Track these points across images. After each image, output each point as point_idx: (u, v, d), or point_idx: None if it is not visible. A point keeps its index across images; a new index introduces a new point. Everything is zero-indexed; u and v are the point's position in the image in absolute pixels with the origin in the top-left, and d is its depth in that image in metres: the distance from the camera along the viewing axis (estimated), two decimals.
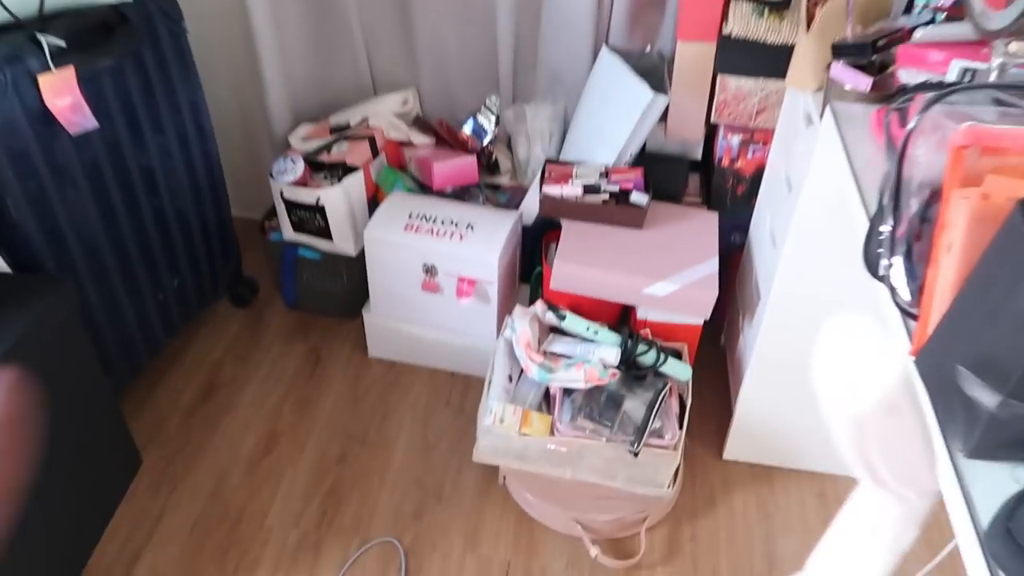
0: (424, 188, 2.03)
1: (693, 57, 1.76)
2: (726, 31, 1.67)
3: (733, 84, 1.73)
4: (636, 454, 1.47)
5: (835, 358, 0.30)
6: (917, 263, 0.80)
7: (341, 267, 1.95)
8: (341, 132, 2.01)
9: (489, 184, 2.06)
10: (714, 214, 1.79)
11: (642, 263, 1.64)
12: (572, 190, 1.73)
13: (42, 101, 1.38)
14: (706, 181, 1.97)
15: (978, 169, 0.75)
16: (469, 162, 1.95)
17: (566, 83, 2.02)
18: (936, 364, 0.74)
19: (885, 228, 0.83)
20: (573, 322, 1.58)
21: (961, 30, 1.12)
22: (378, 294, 1.88)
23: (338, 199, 1.84)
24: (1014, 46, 0.92)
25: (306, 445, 1.75)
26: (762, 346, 1.54)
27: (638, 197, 1.73)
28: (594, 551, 1.50)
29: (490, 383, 1.60)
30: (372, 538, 1.56)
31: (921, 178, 0.80)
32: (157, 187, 1.71)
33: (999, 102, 0.78)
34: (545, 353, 1.56)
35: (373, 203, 1.97)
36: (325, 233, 1.90)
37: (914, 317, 0.81)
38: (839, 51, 1.32)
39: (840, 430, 0.50)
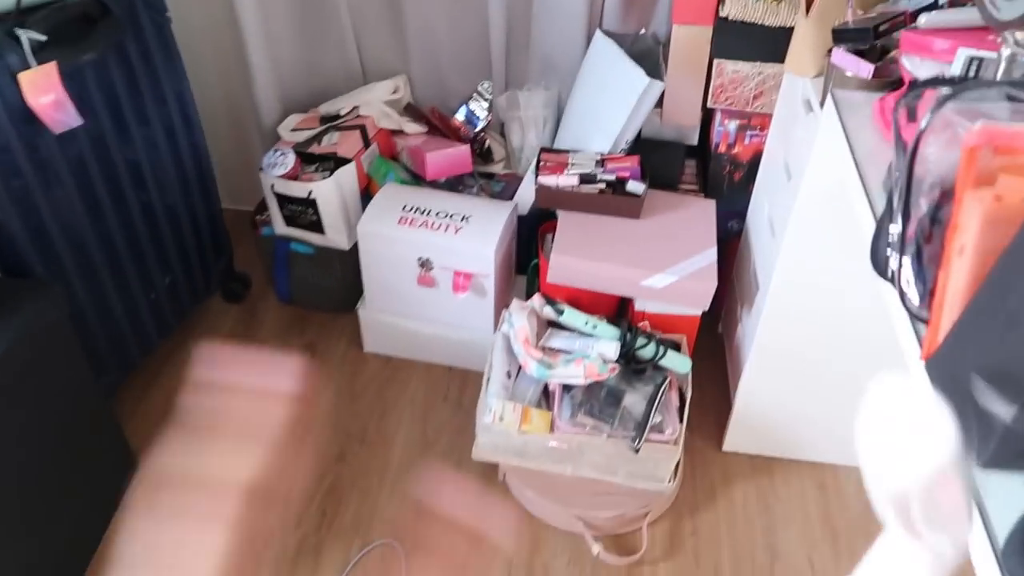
0: (417, 178, 2.00)
1: (689, 41, 1.72)
2: (723, 13, 1.64)
3: (730, 68, 1.70)
4: (637, 450, 1.46)
5: (881, 425, 0.28)
6: (927, 265, 0.77)
7: (335, 261, 1.93)
8: (331, 122, 1.97)
9: (483, 173, 2.03)
10: (711, 202, 1.77)
11: (640, 254, 1.61)
12: (568, 180, 1.70)
13: (23, 99, 1.34)
14: (702, 167, 1.94)
15: (991, 168, 0.73)
16: (462, 151, 1.92)
17: (559, 68, 1.98)
18: (948, 371, 0.72)
19: (894, 228, 0.81)
20: (571, 316, 1.56)
21: (967, 16, 1.09)
22: (373, 289, 1.85)
23: (330, 192, 1.80)
24: (1023, 35, 0.89)
25: (303, 444, 1.72)
26: (762, 337, 1.53)
27: (635, 186, 1.70)
28: (596, 548, 1.49)
29: (488, 380, 1.58)
30: (373, 539, 1.54)
31: (931, 177, 0.78)
32: (145, 182, 1.68)
33: (1011, 97, 0.75)
34: (544, 349, 1.54)
35: (366, 194, 1.93)
36: (318, 227, 1.87)
37: (924, 321, 0.79)
38: (840, 36, 1.29)
39: (880, 494, 0.48)
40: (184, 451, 0.48)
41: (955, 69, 0.99)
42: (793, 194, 1.40)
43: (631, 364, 1.55)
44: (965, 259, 0.72)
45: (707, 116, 1.85)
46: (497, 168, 2.03)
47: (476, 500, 0.64)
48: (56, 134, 1.42)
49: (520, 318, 1.55)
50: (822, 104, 1.31)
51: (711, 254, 1.62)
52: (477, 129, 2.05)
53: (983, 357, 0.66)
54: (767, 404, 1.63)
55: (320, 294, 2.02)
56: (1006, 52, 0.88)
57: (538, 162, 1.77)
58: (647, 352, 1.55)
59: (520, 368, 1.57)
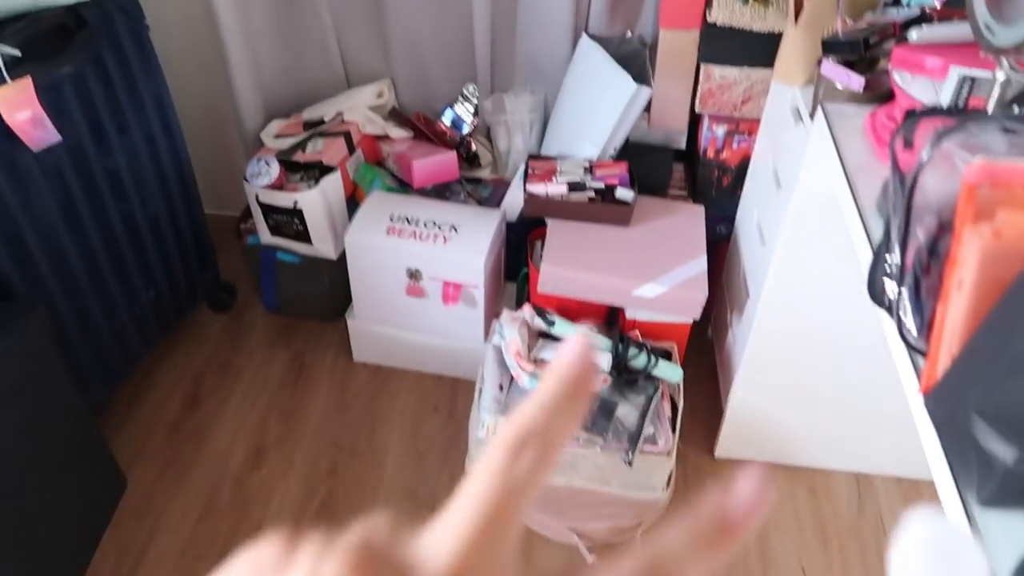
0: (403, 184, 1.98)
1: (676, 45, 1.71)
2: (710, 19, 1.63)
3: (717, 73, 1.69)
4: (631, 463, 1.46)
5: (914, 565, 0.27)
6: (925, 299, 0.77)
7: (322, 270, 1.90)
8: (315, 128, 1.95)
9: (470, 178, 2.01)
10: (700, 208, 1.76)
11: (630, 264, 1.61)
12: (556, 188, 1.69)
13: None
14: (691, 171, 1.93)
15: (989, 202, 0.72)
16: (449, 158, 1.90)
17: (545, 71, 1.96)
18: (948, 408, 0.72)
19: (892, 258, 0.81)
20: (563, 327, 1.55)
21: (958, 31, 1.08)
22: (361, 299, 1.83)
23: (316, 202, 1.78)
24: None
25: (295, 458, 1.72)
26: (754, 347, 1.53)
27: (624, 193, 1.69)
28: (591, 559, 1.49)
29: (481, 392, 1.57)
30: None
31: (929, 207, 0.77)
32: (126, 193, 1.65)
33: (1006, 129, 0.75)
34: (535, 361, 1.53)
35: (351, 202, 1.91)
36: (304, 236, 1.84)
37: (921, 352, 0.79)
38: (830, 47, 1.28)
39: None
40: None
41: (947, 88, 0.99)
42: (783, 204, 1.40)
43: (623, 374, 1.55)
44: (963, 294, 0.72)
45: (694, 120, 1.84)
46: (484, 173, 2.02)
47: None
48: (35, 151, 1.38)
49: (511, 330, 1.55)
50: (812, 115, 1.31)
51: (701, 262, 1.61)
52: (463, 133, 2.03)
53: (984, 399, 0.66)
54: (758, 411, 1.64)
55: (308, 303, 2.00)
56: (1000, 76, 0.88)
57: (526, 169, 1.75)
58: (639, 362, 1.55)
59: (512, 380, 1.57)
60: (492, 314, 1.82)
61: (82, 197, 1.52)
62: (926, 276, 0.78)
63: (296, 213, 1.80)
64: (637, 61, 1.80)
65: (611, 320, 1.75)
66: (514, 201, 1.82)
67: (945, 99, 0.99)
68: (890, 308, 0.83)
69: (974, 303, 0.72)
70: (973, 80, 0.98)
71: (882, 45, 1.25)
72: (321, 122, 1.95)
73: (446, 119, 2.04)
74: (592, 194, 1.69)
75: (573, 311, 1.65)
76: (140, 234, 1.70)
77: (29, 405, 1.36)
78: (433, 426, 1.78)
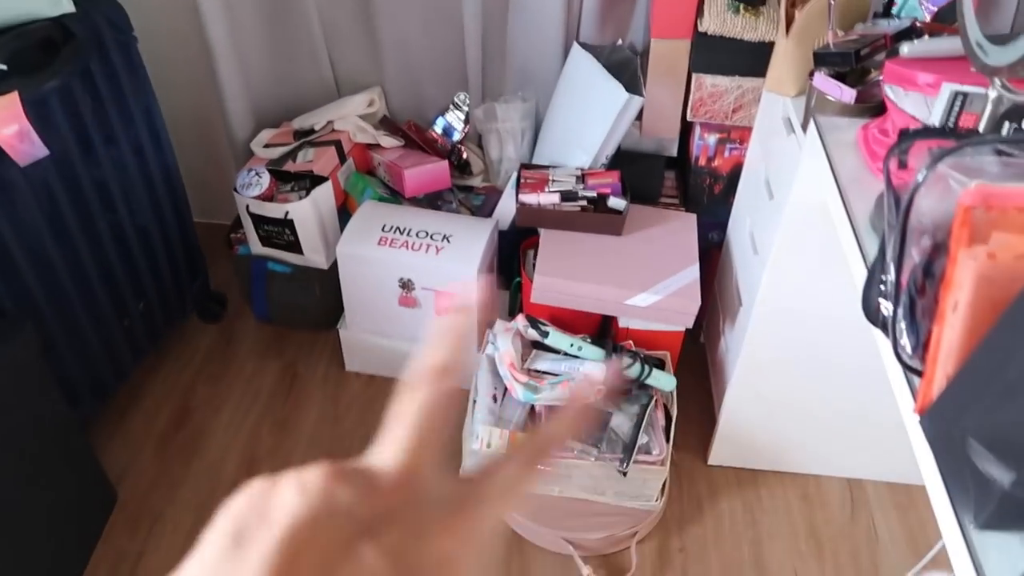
0: (395, 193, 1.97)
1: (667, 54, 1.71)
2: (702, 28, 1.63)
3: (709, 82, 1.69)
4: (625, 473, 1.46)
5: None
6: (920, 319, 0.77)
7: (313, 280, 1.89)
8: (305, 137, 1.94)
9: (461, 186, 2.01)
10: (692, 217, 1.77)
11: (623, 273, 1.61)
12: (549, 198, 1.69)
13: None
14: (682, 178, 1.94)
15: (984, 224, 0.73)
16: (441, 167, 1.90)
17: (536, 79, 1.96)
18: (945, 429, 0.72)
19: (887, 277, 0.81)
20: (557, 339, 1.55)
21: (950, 45, 1.09)
22: (353, 309, 1.83)
23: (307, 212, 1.77)
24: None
25: (288, 470, 1.70)
26: (747, 356, 1.53)
27: (616, 202, 1.69)
28: (586, 570, 1.50)
29: (474, 403, 1.57)
30: None
31: (923, 228, 0.78)
32: (115, 205, 1.63)
33: (999, 152, 0.75)
34: (529, 371, 1.53)
35: (343, 211, 1.90)
36: (295, 247, 1.83)
37: (916, 372, 0.79)
38: (822, 60, 1.29)
39: None
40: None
41: (939, 104, 1.00)
42: (776, 215, 1.40)
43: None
44: (959, 315, 0.72)
45: (686, 127, 1.84)
46: (476, 181, 2.01)
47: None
48: (21, 166, 1.37)
49: (505, 341, 1.54)
50: (804, 128, 1.31)
51: (694, 271, 1.62)
52: (454, 141, 2.02)
53: (981, 422, 0.67)
54: (751, 418, 1.64)
55: (299, 313, 1.99)
56: (993, 94, 0.88)
57: (519, 179, 1.75)
58: (632, 372, 1.55)
59: (506, 391, 1.56)
60: (485, 324, 1.81)
61: (70, 210, 1.51)
62: (921, 296, 0.78)
63: (287, 224, 1.79)
64: (628, 69, 1.80)
65: (604, 329, 1.75)
66: (506, 210, 1.82)
67: (937, 114, 1.00)
68: (885, 327, 0.83)
69: (969, 324, 0.72)
70: (965, 96, 0.98)
71: (873, 57, 1.26)
72: (311, 131, 1.94)
73: (437, 127, 2.03)
74: (584, 203, 1.69)
75: (566, 320, 1.65)
76: (129, 245, 1.69)
77: (18, 420, 1.34)
78: None
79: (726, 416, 1.65)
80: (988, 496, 0.67)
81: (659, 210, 1.81)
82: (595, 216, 1.68)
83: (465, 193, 2.00)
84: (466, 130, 2.02)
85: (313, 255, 1.85)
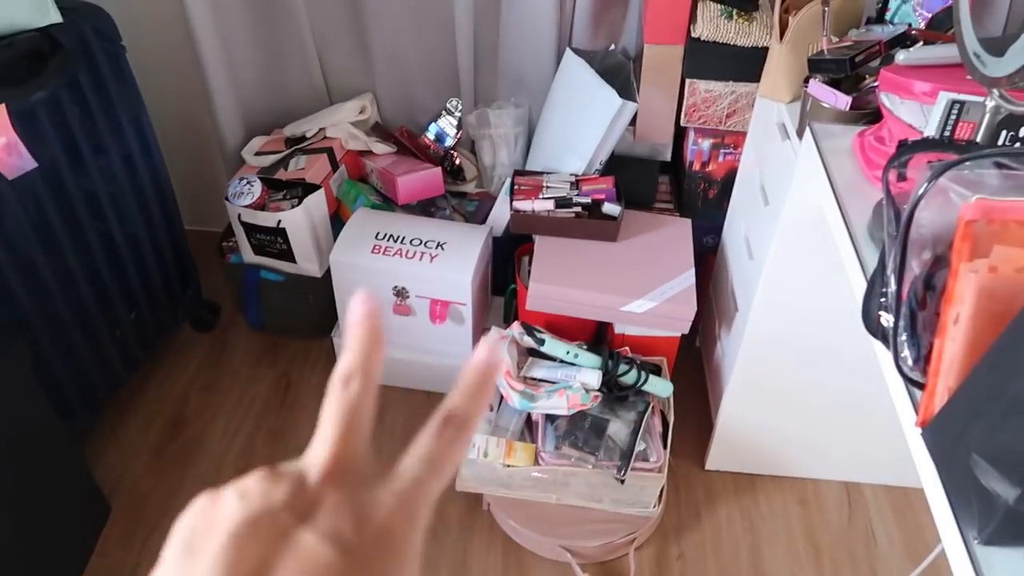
0: (388, 200, 1.96)
1: (661, 60, 1.71)
2: (695, 34, 1.62)
3: (703, 87, 1.69)
4: (623, 481, 1.46)
5: None
6: (922, 332, 0.77)
7: (307, 288, 1.88)
8: (297, 144, 1.92)
9: (455, 192, 2.00)
10: (687, 222, 1.76)
11: (618, 280, 1.60)
12: (543, 204, 1.68)
13: None
14: (676, 183, 1.93)
15: (985, 237, 0.73)
16: (434, 174, 1.88)
17: (529, 84, 1.95)
18: (948, 443, 0.72)
19: (887, 289, 0.81)
20: (553, 346, 1.55)
21: (945, 52, 1.09)
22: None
23: (300, 221, 1.76)
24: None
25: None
26: (743, 361, 1.53)
27: (611, 208, 1.68)
28: None
29: None
30: None
31: (924, 240, 0.78)
32: (104, 215, 1.62)
33: (999, 164, 0.75)
34: (525, 380, 1.53)
35: (335, 219, 1.89)
36: (288, 255, 1.82)
37: (917, 385, 0.79)
38: (816, 66, 1.29)
39: None
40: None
41: (936, 112, 0.99)
42: (771, 220, 1.40)
43: (613, 391, 1.54)
44: (960, 328, 0.72)
45: (680, 132, 1.84)
46: (469, 187, 2.00)
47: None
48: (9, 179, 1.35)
49: (500, 349, 1.53)
50: (800, 135, 1.31)
51: (689, 277, 1.61)
52: (447, 147, 2.01)
53: (984, 438, 0.66)
54: (748, 423, 1.64)
55: (293, 321, 1.98)
56: (990, 104, 0.88)
57: (512, 185, 1.74)
58: (629, 378, 1.55)
59: (502, 399, 1.56)
60: (480, 330, 1.81)
61: (59, 220, 1.49)
62: (922, 309, 0.78)
63: (279, 232, 1.77)
64: (621, 74, 1.80)
65: (600, 335, 1.74)
66: (500, 216, 1.81)
67: (934, 122, 1.00)
68: (885, 338, 0.83)
69: (971, 338, 0.72)
70: (962, 104, 0.98)
71: (868, 64, 1.26)
72: (303, 139, 1.93)
73: (430, 134, 2.02)
74: (579, 209, 1.68)
75: (562, 327, 1.64)
76: (119, 255, 1.67)
77: (7, 433, 1.33)
78: None
79: (723, 421, 1.65)
80: (992, 511, 0.66)
81: (654, 215, 1.81)
82: (590, 222, 1.67)
83: (459, 199, 1.99)
84: (459, 136, 2.01)
85: (306, 263, 1.84)
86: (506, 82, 1.96)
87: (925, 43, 1.17)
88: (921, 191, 0.73)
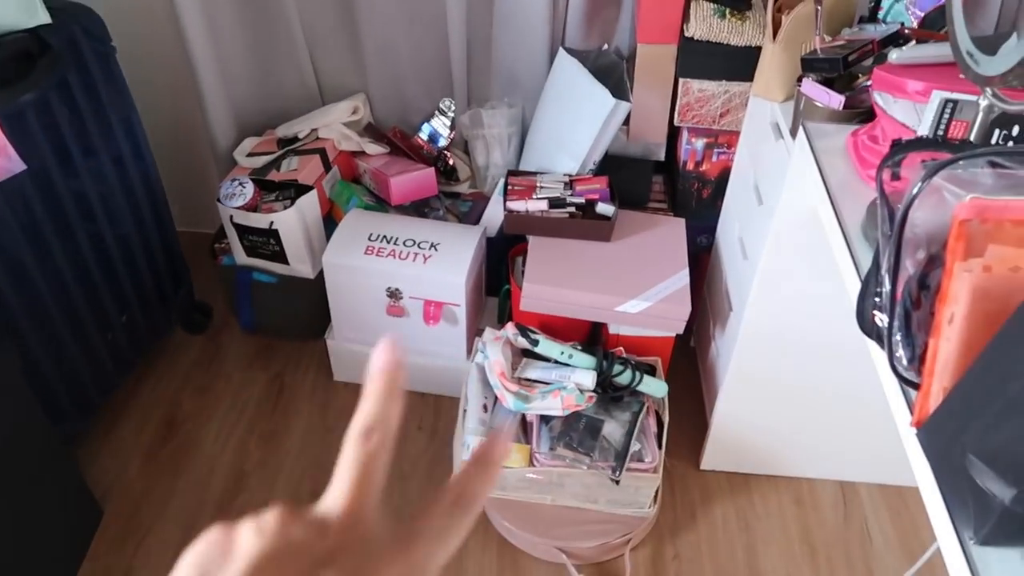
0: (381, 200, 1.95)
1: (654, 59, 1.71)
2: (688, 33, 1.62)
3: (696, 87, 1.69)
4: (617, 482, 1.45)
5: None
6: (916, 332, 0.77)
7: (299, 290, 1.87)
8: (289, 145, 1.91)
9: (448, 192, 2.00)
10: (681, 221, 1.76)
11: (612, 280, 1.60)
12: (536, 204, 1.68)
13: None
14: (670, 183, 1.93)
15: (979, 236, 0.72)
16: (427, 174, 1.88)
17: (522, 84, 1.95)
18: (943, 443, 0.72)
19: (882, 289, 0.80)
20: (547, 347, 1.54)
21: (938, 51, 1.09)
22: (340, 319, 1.81)
23: (292, 222, 1.75)
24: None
25: (277, 482, 1.69)
26: (738, 362, 1.53)
27: (604, 208, 1.68)
28: None
29: (465, 412, 1.55)
30: None
31: (917, 240, 0.77)
32: (95, 217, 1.60)
33: (993, 163, 0.75)
34: (520, 380, 1.52)
35: (328, 220, 1.88)
36: (280, 257, 1.81)
37: (912, 385, 0.79)
38: (809, 65, 1.29)
39: None
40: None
41: (929, 111, 0.99)
42: (765, 220, 1.40)
43: (608, 392, 1.54)
44: (955, 328, 0.72)
45: (673, 132, 1.83)
46: (463, 188, 2.00)
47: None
48: None
49: (495, 350, 1.53)
50: (793, 134, 1.31)
51: (684, 276, 1.61)
52: (440, 147, 2.00)
53: (980, 438, 0.66)
54: (743, 423, 1.64)
55: (286, 322, 1.97)
56: (984, 102, 0.88)
57: (506, 185, 1.74)
58: (624, 379, 1.54)
59: (496, 400, 1.55)
60: (474, 331, 1.80)
61: (48, 223, 1.48)
62: (916, 308, 0.78)
63: (272, 234, 1.76)
64: (615, 74, 1.79)
65: (594, 335, 1.74)
66: (494, 216, 1.81)
67: (927, 121, 1.00)
68: (879, 338, 0.83)
69: (966, 337, 0.72)
70: (955, 103, 0.98)
71: (861, 63, 1.26)
72: (295, 139, 1.92)
73: (423, 134, 2.02)
74: (573, 209, 1.68)
75: (556, 328, 1.64)
76: (111, 257, 1.66)
77: (0, 441, 1.32)
78: (417, 445, 1.76)
79: (718, 420, 1.65)
80: (988, 512, 0.66)
81: (648, 215, 1.81)
82: (584, 222, 1.67)
83: (452, 200, 1.98)
84: (452, 136, 2.00)
85: (299, 265, 1.83)
86: (499, 82, 1.95)
87: (918, 42, 1.17)
88: (915, 190, 0.73)
